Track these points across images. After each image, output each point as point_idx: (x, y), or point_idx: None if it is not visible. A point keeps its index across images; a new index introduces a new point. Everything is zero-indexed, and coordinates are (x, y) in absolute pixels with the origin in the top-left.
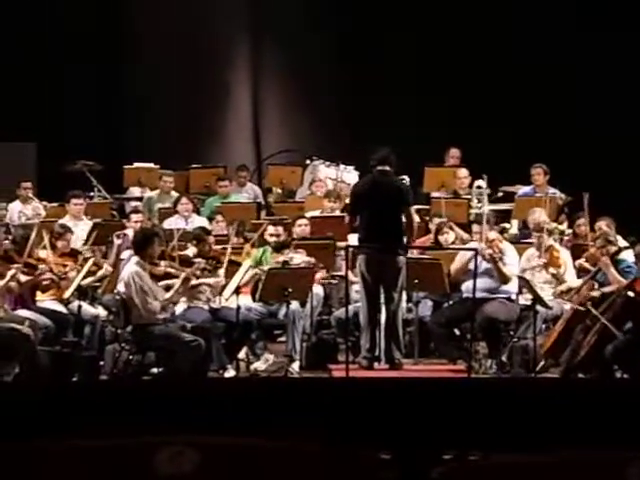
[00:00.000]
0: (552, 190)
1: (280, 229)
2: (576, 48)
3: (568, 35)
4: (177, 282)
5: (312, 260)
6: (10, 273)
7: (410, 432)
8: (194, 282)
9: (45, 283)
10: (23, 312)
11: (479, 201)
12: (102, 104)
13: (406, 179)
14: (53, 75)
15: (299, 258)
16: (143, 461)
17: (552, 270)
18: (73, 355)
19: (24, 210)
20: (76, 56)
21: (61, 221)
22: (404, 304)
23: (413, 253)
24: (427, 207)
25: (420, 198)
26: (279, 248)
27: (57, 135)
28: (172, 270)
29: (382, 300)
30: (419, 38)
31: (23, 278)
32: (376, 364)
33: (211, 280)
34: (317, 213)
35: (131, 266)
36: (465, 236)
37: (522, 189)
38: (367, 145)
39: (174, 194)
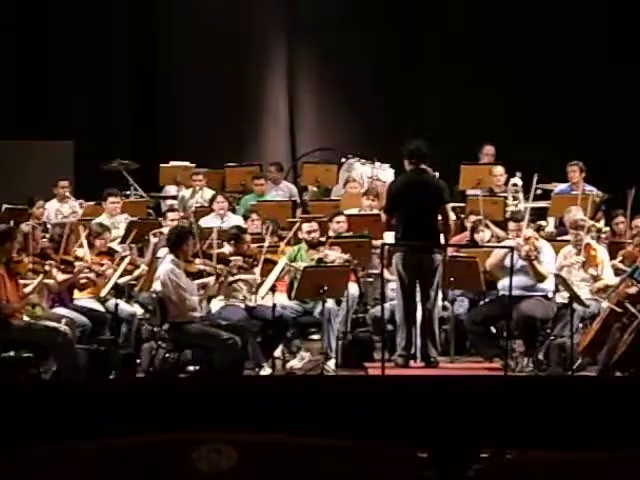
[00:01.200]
0: (589, 187)
1: (315, 225)
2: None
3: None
4: (212, 280)
5: (347, 256)
6: (46, 268)
7: (447, 430)
8: (231, 279)
9: (82, 282)
10: (61, 310)
11: (515, 199)
12: (139, 103)
13: (437, 176)
14: (91, 74)
15: (334, 255)
16: (180, 459)
17: (591, 271)
18: (110, 353)
19: (61, 209)
20: (113, 56)
21: (97, 219)
22: (440, 302)
23: (449, 251)
24: (462, 205)
25: (456, 196)
26: (314, 245)
27: (94, 134)
28: (207, 268)
29: (418, 298)
30: (453, 37)
31: (60, 276)
32: (412, 362)
33: (248, 276)
34: (353, 211)
35: (166, 264)
36: (501, 234)
37: (558, 187)
38: (402, 143)
39: (208, 192)
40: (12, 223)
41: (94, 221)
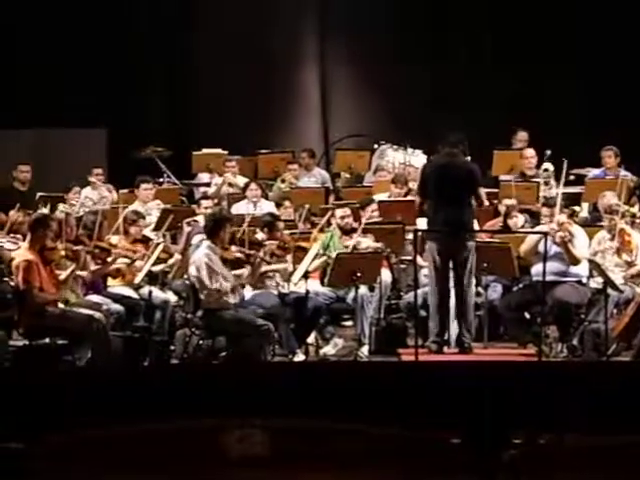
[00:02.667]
0: (623, 172)
1: (348, 210)
2: None
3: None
4: (247, 271)
5: (380, 245)
6: (79, 256)
7: (481, 416)
8: (263, 269)
9: (116, 269)
10: (95, 297)
11: (546, 184)
12: (171, 90)
13: (468, 159)
14: (124, 62)
15: (367, 242)
16: (214, 443)
17: (625, 256)
18: (144, 340)
19: (90, 195)
20: (146, 43)
21: (130, 207)
22: (474, 288)
23: (482, 237)
24: (495, 190)
25: (488, 181)
26: (348, 231)
27: (127, 121)
28: (242, 255)
29: (452, 284)
30: (490, 24)
31: (93, 265)
32: (446, 348)
33: (279, 266)
34: (385, 197)
35: (202, 249)
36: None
37: (592, 171)
38: (435, 129)
39: (241, 179)
40: (47, 210)
41: (128, 208)
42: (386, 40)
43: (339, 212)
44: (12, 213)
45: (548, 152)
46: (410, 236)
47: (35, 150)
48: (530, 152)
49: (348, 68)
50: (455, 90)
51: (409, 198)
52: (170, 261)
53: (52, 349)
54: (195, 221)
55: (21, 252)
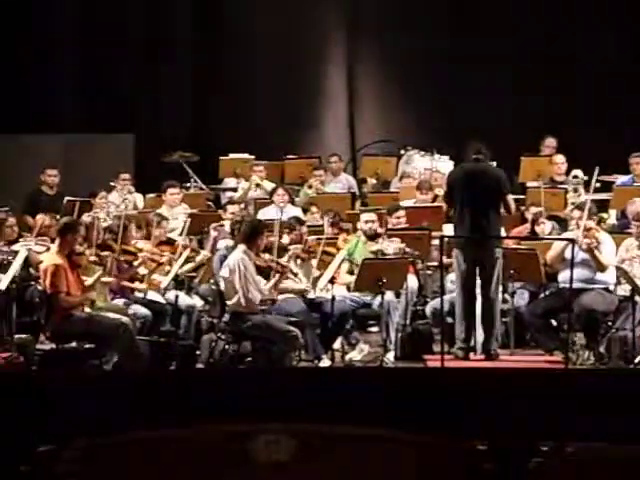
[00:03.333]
0: None
1: (374, 216)
2: None
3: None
4: (275, 278)
5: (405, 247)
6: (105, 262)
7: (507, 423)
8: (281, 285)
9: (142, 273)
10: (122, 302)
11: (575, 191)
12: (198, 95)
13: (494, 164)
14: (150, 67)
15: (392, 247)
16: (239, 448)
17: None
18: (170, 344)
19: (113, 199)
20: (174, 49)
21: (157, 211)
22: (500, 294)
23: (509, 243)
24: (522, 197)
25: (515, 188)
26: (373, 237)
27: (154, 126)
28: (274, 264)
29: (478, 291)
30: (516, 33)
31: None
32: (472, 355)
33: (299, 286)
34: (411, 203)
35: (238, 253)
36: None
37: (620, 178)
38: (462, 134)
39: (268, 184)
40: (75, 215)
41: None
42: (415, 45)
43: (364, 217)
44: (39, 217)
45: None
46: (436, 242)
47: (63, 154)
48: (560, 158)
49: (376, 74)
50: (482, 95)
51: (435, 204)
52: (197, 259)
53: (79, 353)
54: (221, 226)
55: (50, 256)
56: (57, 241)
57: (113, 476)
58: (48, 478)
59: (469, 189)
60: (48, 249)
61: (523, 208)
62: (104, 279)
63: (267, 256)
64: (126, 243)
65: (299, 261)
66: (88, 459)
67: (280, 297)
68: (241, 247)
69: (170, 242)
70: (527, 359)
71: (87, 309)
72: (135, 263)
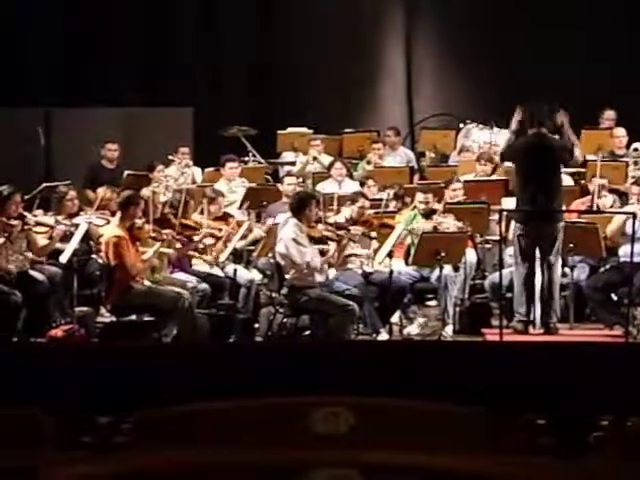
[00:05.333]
0: None
1: (429, 196)
2: None
3: None
4: (332, 248)
5: (461, 224)
6: (163, 237)
7: (566, 397)
8: (346, 252)
9: (201, 247)
10: (181, 275)
11: (636, 164)
12: (257, 69)
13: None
14: (210, 41)
15: (448, 223)
16: (299, 420)
17: None
18: (229, 317)
19: (171, 173)
20: (232, 22)
21: (216, 185)
22: (560, 268)
23: (569, 217)
24: (583, 170)
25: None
26: (428, 215)
27: (213, 100)
28: (329, 234)
29: (537, 264)
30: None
31: (178, 244)
32: (531, 329)
33: (362, 251)
34: (471, 177)
35: (289, 227)
36: None
37: None
38: (522, 107)
39: (326, 158)
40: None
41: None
42: (473, 19)
43: (420, 196)
44: (100, 190)
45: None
46: (495, 216)
47: (123, 128)
48: (621, 131)
49: (434, 46)
50: (540, 68)
51: (494, 178)
52: (250, 236)
53: (139, 326)
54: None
55: (111, 228)
56: (118, 214)
57: (172, 448)
58: (108, 449)
59: (531, 163)
60: (108, 222)
61: (583, 181)
62: (163, 249)
63: (320, 226)
64: (185, 217)
65: (357, 236)
66: (147, 431)
67: (338, 271)
68: (291, 221)
69: (226, 217)
70: (587, 333)
71: (147, 282)
72: (195, 238)
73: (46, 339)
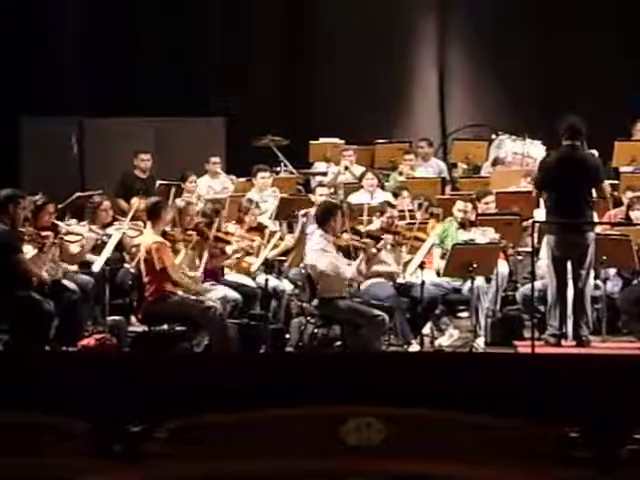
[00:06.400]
0: None
1: (469, 205)
2: None
3: None
4: (360, 257)
5: (499, 238)
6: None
7: (598, 410)
8: (373, 268)
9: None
10: (213, 285)
11: None
12: (289, 79)
13: (595, 153)
14: (242, 52)
15: (484, 237)
16: (331, 431)
17: None
18: (260, 328)
19: (212, 184)
20: (264, 33)
21: (248, 195)
22: (592, 281)
23: (602, 229)
24: (616, 182)
25: (609, 173)
26: (464, 225)
27: (246, 110)
28: (355, 243)
29: (570, 276)
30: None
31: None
32: (563, 341)
33: (388, 269)
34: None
35: (316, 238)
36: None
37: None
38: (555, 118)
39: (358, 168)
40: (171, 198)
41: (244, 197)
42: (506, 28)
43: (459, 205)
44: (134, 200)
45: None
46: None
47: (155, 138)
48: None
49: (466, 57)
50: (573, 78)
51: (525, 189)
52: (281, 245)
53: (170, 335)
54: (309, 212)
55: (148, 235)
56: (149, 223)
57: (203, 457)
58: (140, 457)
59: (563, 176)
60: (141, 233)
61: (616, 193)
62: (191, 273)
63: (346, 236)
64: (218, 229)
65: (389, 246)
66: (178, 440)
67: (369, 282)
68: (317, 232)
69: (260, 228)
70: (619, 346)
71: (179, 292)
72: (227, 250)
73: (78, 348)
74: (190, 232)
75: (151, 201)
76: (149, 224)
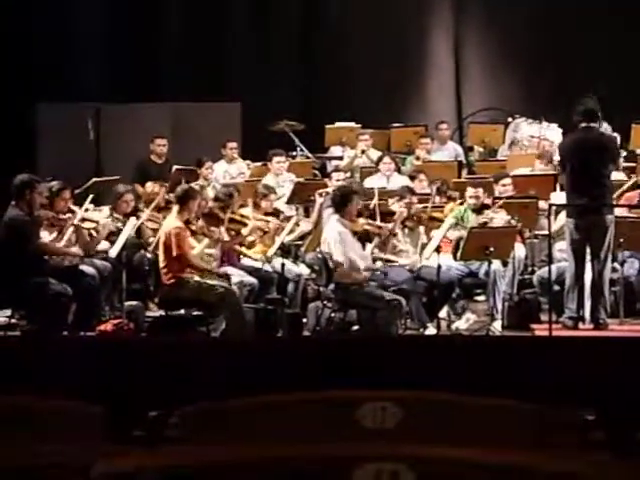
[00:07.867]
0: None
1: (480, 191)
2: None
3: None
4: (374, 241)
5: (511, 219)
6: (213, 235)
7: (616, 392)
8: (384, 256)
9: (249, 241)
10: (229, 270)
11: None
12: (305, 64)
13: (617, 137)
14: (257, 36)
15: (499, 218)
16: (346, 416)
17: None
18: (277, 312)
19: (229, 170)
20: (279, 19)
21: (263, 180)
22: (610, 264)
23: (620, 211)
24: (634, 164)
25: (627, 155)
26: (478, 210)
27: (261, 95)
28: (370, 227)
29: (587, 259)
30: None
31: (227, 236)
32: (580, 324)
33: (405, 261)
34: (521, 171)
35: (332, 224)
36: None
37: None
38: (570, 101)
39: (374, 152)
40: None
41: (260, 182)
42: (521, 12)
43: (470, 191)
44: (149, 185)
45: None
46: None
47: (171, 123)
48: None
49: (482, 40)
50: (589, 60)
51: (543, 172)
52: (297, 231)
53: (187, 320)
54: (327, 193)
55: (171, 221)
56: (176, 207)
57: (220, 441)
58: (159, 442)
59: (580, 158)
60: (159, 226)
61: (633, 175)
62: (208, 251)
63: (362, 220)
64: (232, 211)
65: (406, 230)
66: (196, 424)
67: (387, 266)
68: (334, 217)
69: (276, 213)
70: (637, 328)
71: (196, 277)
72: (243, 231)
73: (96, 333)
74: (206, 223)
75: (182, 188)
76: (175, 209)
